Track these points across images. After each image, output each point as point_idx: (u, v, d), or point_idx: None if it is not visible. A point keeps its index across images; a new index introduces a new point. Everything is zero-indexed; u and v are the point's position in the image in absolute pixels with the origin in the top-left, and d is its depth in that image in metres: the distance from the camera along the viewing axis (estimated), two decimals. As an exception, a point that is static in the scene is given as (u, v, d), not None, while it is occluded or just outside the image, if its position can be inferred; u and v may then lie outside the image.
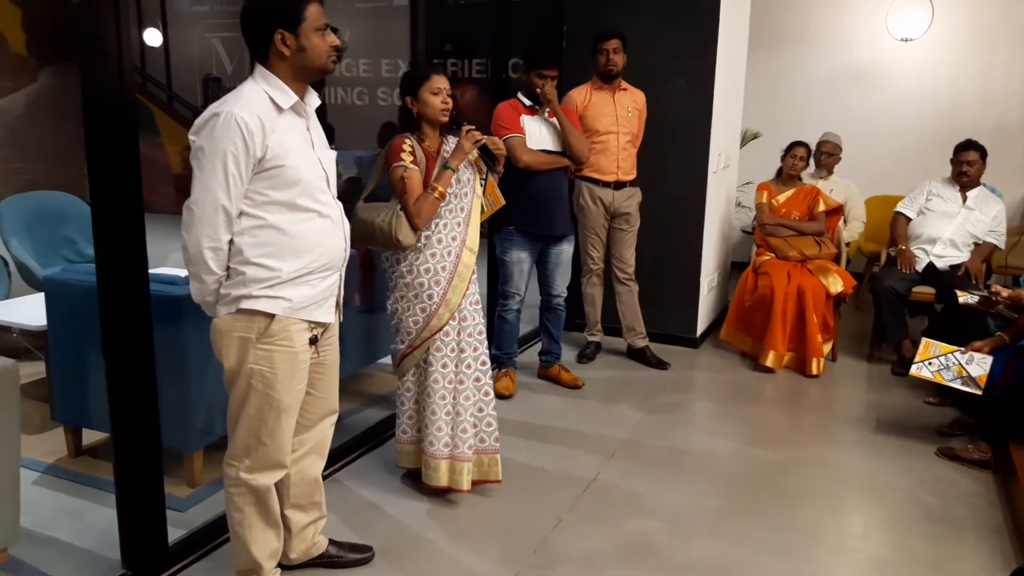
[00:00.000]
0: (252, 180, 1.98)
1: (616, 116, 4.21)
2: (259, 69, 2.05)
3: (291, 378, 2.13)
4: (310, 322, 2.14)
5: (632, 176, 4.34)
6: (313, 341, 2.18)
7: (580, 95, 4.24)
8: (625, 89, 4.28)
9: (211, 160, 1.93)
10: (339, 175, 2.31)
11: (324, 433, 2.43)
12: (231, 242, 2.01)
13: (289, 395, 2.14)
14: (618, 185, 4.29)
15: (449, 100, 2.84)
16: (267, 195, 2.00)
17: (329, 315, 2.21)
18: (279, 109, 2.02)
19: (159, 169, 8.95)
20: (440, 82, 2.83)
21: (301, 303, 2.09)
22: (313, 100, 2.14)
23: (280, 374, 2.10)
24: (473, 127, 2.86)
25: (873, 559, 2.73)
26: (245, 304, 2.03)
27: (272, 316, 2.05)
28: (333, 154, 2.22)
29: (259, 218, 2.01)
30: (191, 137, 1.97)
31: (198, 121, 1.97)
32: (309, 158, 2.09)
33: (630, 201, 4.35)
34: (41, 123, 7.57)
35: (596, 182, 4.28)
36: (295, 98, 2.05)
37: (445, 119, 2.86)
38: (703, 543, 2.78)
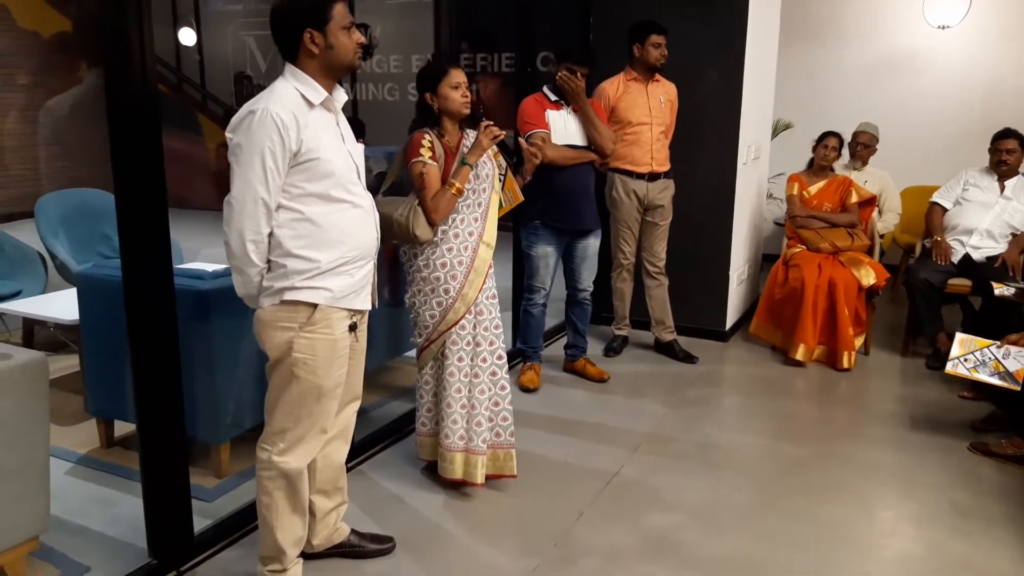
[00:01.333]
0: (288, 174, 2.06)
1: (649, 107, 4.18)
2: (289, 67, 2.14)
3: (331, 364, 2.21)
4: (349, 310, 2.22)
5: (666, 168, 4.30)
6: (352, 328, 2.25)
7: (613, 87, 4.21)
8: (658, 80, 4.24)
9: (249, 155, 2.01)
10: (369, 170, 2.36)
11: (349, 419, 2.49)
12: (271, 235, 2.09)
13: (330, 380, 2.22)
14: (652, 177, 4.25)
15: (468, 93, 2.85)
16: (303, 187, 2.08)
17: (367, 302, 2.30)
18: (310, 105, 2.11)
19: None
20: (459, 76, 2.84)
21: (342, 292, 2.17)
22: (341, 96, 2.22)
23: (322, 361, 2.18)
24: (492, 123, 2.84)
25: (902, 555, 2.68)
26: (289, 295, 2.11)
27: (315, 306, 2.12)
28: (361, 147, 2.31)
29: (296, 211, 2.09)
30: (228, 135, 2.06)
31: (235, 119, 2.05)
32: (340, 151, 2.17)
33: (664, 193, 4.31)
34: (85, 123, 7.76)
35: (630, 174, 4.25)
36: (325, 94, 2.13)
37: (466, 112, 2.87)
38: (728, 538, 2.75)
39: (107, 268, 3.17)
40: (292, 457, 2.24)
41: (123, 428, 3.34)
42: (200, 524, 2.58)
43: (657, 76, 4.24)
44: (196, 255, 4.30)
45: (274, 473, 2.24)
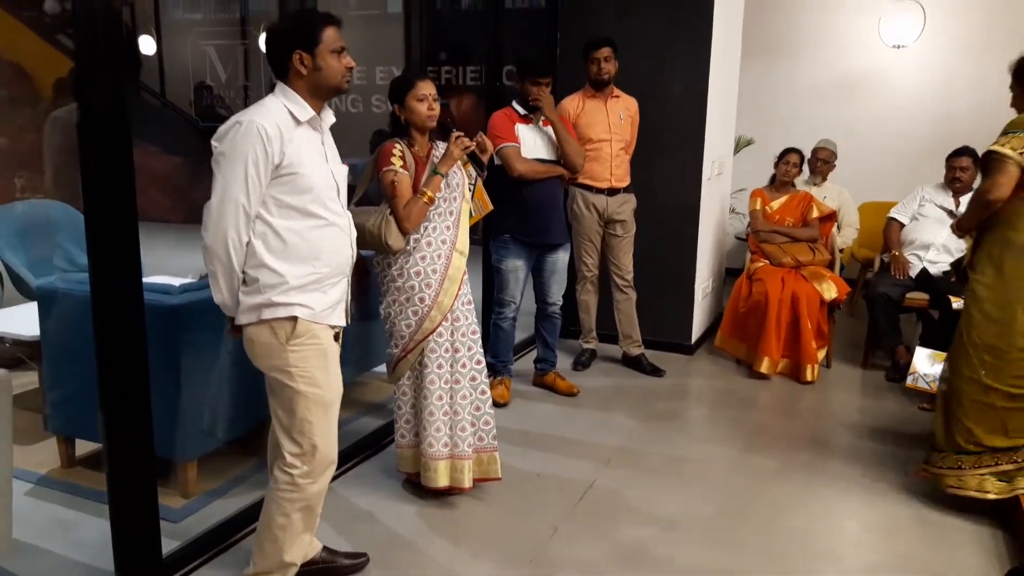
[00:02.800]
0: (269, 185, 2.10)
1: (609, 123, 4.23)
2: (280, 85, 2.19)
3: (327, 372, 2.25)
4: (329, 325, 2.27)
5: (626, 183, 4.35)
6: (336, 338, 2.31)
7: (573, 103, 4.26)
8: (617, 96, 4.30)
9: (232, 163, 2.05)
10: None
11: None
12: (248, 244, 2.11)
13: (330, 389, 2.27)
14: (612, 192, 4.30)
15: (436, 106, 2.88)
16: (281, 200, 2.12)
17: (341, 319, 2.33)
18: (297, 121, 2.15)
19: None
20: (425, 88, 2.85)
21: (320, 308, 2.20)
22: (328, 117, 2.28)
23: (318, 370, 2.22)
24: (462, 133, 2.88)
25: (867, 565, 2.73)
26: (267, 313, 2.14)
27: (295, 319, 2.15)
28: (345, 168, 2.35)
29: (272, 222, 2.12)
30: (214, 143, 2.10)
31: (221, 129, 2.10)
32: (322, 169, 2.21)
33: (624, 207, 4.36)
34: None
35: (590, 188, 4.29)
36: (312, 112, 2.18)
37: (432, 125, 2.90)
38: (699, 550, 2.77)
39: (70, 282, 3.09)
40: (318, 476, 2.28)
41: (83, 447, 3.25)
42: (167, 546, 2.52)
43: (616, 92, 4.29)
44: (154, 269, 4.23)
45: (297, 495, 2.26)
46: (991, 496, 2.92)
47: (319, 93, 2.20)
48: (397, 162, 2.82)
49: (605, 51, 4.15)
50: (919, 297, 4.58)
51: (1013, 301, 2.84)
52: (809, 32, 6.67)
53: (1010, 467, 2.91)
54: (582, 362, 4.62)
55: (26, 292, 4.39)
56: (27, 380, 3.82)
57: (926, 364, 3.55)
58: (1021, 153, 2.75)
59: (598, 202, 4.31)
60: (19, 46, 8.55)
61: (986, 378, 2.90)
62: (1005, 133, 2.86)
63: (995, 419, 2.91)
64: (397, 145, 2.87)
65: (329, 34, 2.15)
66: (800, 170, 4.97)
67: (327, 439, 2.28)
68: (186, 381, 2.87)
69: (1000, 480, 2.93)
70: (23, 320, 3.61)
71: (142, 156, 8.69)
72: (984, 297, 2.91)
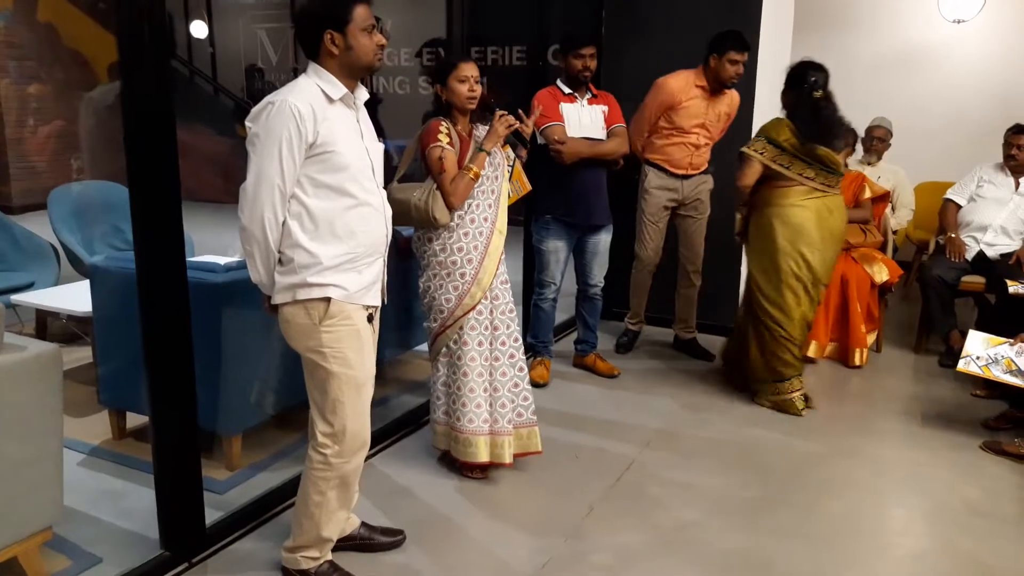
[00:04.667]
0: (304, 164, 2.10)
1: (706, 120, 4.11)
2: (312, 65, 2.18)
3: (361, 353, 2.26)
4: (364, 305, 2.27)
5: (703, 167, 4.25)
6: (370, 319, 2.31)
7: (679, 86, 4.04)
8: (724, 93, 4.12)
9: (266, 144, 2.06)
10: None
11: None
12: (283, 224, 2.13)
13: (363, 370, 2.27)
14: (687, 176, 4.21)
15: (477, 88, 2.88)
16: (316, 179, 2.12)
17: (377, 298, 2.34)
18: (330, 100, 2.15)
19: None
20: (467, 70, 2.86)
21: (354, 289, 2.21)
22: (362, 94, 2.27)
23: (351, 351, 2.22)
24: (506, 112, 2.89)
25: (913, 553, 2.67)
26: (301, 294, 2.16)
27: (328, 300, 2.16)
28: (381, 146, 2.34)
29: (307, 202, 2.13)
30: (248, 124, 2.10)
31: (255, 110, 2.10)
32: (357, 147, 2.21)
33: (701, 188, 4.25)
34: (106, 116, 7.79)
35: (664, 170, 4.21)
36: (344, 90, 2.17)
37: (472, 106, 2.91)
38: (739, 534, 2.74)
39: (120, 260, 3.18)
40: (350, 456, 2.30)
41: (135, 420, 3.35)
42: (212, 516, 2.59)
43: (725, 90, 4.14)
44: (205, 248, 4.32)
45: (331, 474, 2.29)
46: None
47: (351, 72, 2.19)
48: (444, 139, 2.85)
49: (744, 55, 3.97)
50: (975, 281, 4.44)
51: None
52: (865, 6, 6.46)
53: None
54: (623, 344, 4.57)
55: (81, 270, 4.54)
56: (82, 356, 3.94)
57: (979, 348, 3.44)
58: (762, 152, 3.64)
59: (672, 184, 4.22)
60: (77, 32, 8.80)
61: None
62: (755, 136, 3.74)
63: None
64: (443, 123, 2.89)
65: (360, 12, 2.13)
66: (853, 149, 4.83)
67: (359, 420, 2.29)
68: (230, 358, 2.93)
69: None
70: (77, 297, 3.72)
71: (194, 138, 8.90)
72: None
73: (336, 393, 2.23)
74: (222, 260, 3.42)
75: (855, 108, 5.71)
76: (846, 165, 4.81)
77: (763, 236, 3.73)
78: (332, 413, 2.25)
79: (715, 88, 4.07)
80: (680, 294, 4.48)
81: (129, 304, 2.42)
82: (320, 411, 2.27)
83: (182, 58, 10.04)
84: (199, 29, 10.09)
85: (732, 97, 4.20)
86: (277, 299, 2.19)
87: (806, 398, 3.81)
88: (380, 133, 2.40)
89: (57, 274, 4.58)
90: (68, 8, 8.80)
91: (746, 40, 3.98)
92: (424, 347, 3.72)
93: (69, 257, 4.67)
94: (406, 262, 3.76)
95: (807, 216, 3.63)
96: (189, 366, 2.40)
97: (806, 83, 3.62)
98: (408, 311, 3.84)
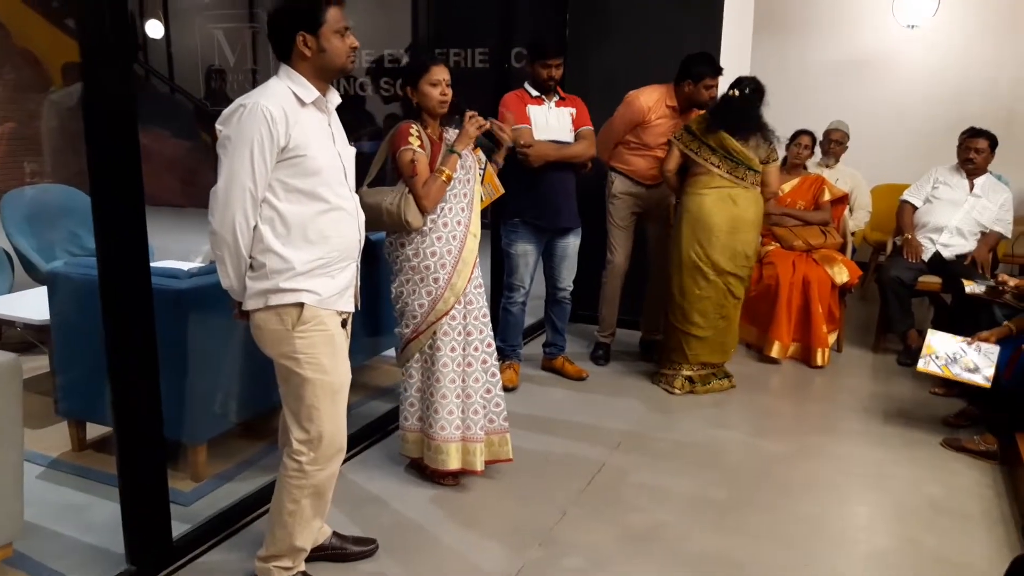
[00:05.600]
0: (275, 168, 2.07)
1: (671, 137, 4.06)
2: (283, 67, 2.16)
3: (335, 358, 2.24)
4: (337, 311, 2.25)
5: None
6: (344, 324, 2.29)
7: (650, 102, 4.08)
8: (693, 113, 4.09)
9: (238, 147, 2.03)
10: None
11: None
12: (254, 228, 2.09)
13: (338, 376, 2.25)
14: (653, 186, 4.22)
15: (448, 91, 2.86)
16: (288, 183, 2.10)
17: (350, 304, 2.32)
18: (301, 103, 2.13)
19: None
20: (439, 73, 2.84)
21: (327, 294, 2.19)
22: (334, 98, 2.24)
23: (324, 356, 2.20)
24: (476, 112, 2.89)
25: (877, 550, 2.72)
26: (273, 300, 2.13)
27: (301, 306, 2.14)
28: (352, 150, 2.32)
29: (279, 206, 2.11)
30: (218, 127, 2.07)
31: (225, 112, 2.07)
32: (329, 151, 2.19)
33: (667, 197, 4.24)
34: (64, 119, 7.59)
35: (630, 178, 4.22)
36: (316, 93, 2.16)
37: (443, 110, 2.89)
38: (708, 535, 2.77)
39: (79, 266, 3.09)
40: (326, 463, 2.27)
41: (95, 431, 3.27)
42: (177, 529, 2.54)
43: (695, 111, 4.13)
44: (164, 253, 4.23)
45: (306, 482, 2.26)
46: None
47: (324, 74, 2.17)
48: (415, 142, 2.82)
49: (717, 80, 4.00)
50: (932, 281, 4.54)
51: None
52: (822, 11, 6.59)
53: None
54: (600, 356, 4.47)
55: (36, 276, 4.41)
56: (38, 364, 3.83)
57: (938, 347, 3.52)
58: (679, 138, 3.92)
59: (637, 191, 4.23)
60: (29, 32, 8.57)
61: None
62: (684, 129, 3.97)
63: None
64: (414, 126, 2.86)
65: (332, 14, 2.11)
66: (812, 152, 4.92)
67: (335, 426, 2.27)
68: (195, 365, 2.87)
69: None
70: (33, 304, 3.62)
71: (152, 140, 8.73)
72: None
73: (311, 399, 2.20)
74: (185, 266, 3.36)
75: (813, 111, 5.87)
76: (805, 168, 4.90)
77: (675, 223, 4.02)
78: (308, 420, 2.22)
79: (685, 109, 4.12)
80: (648, 298, 4.50)
81: (90, 311, 2.36)
82: (296, 418, 2.24)
83: (138, 58, 9.84)
84: (155, 29, 9.90)
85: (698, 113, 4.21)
86: (249, 305, 2.16)
87: (691, 381, 4.04)
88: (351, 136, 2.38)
89: (11, 281, 4.44)
90: (19, 7, 8.56)
91: (718, 64, 4.04)
92: (391, 353, 3.70)
93: (23, 263, 4.54)
94: (373, 267, 3.74)
95: (707, 204, 3.83)
96: (154, 374, 2.35)
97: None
98: (375, 316, 3.81)
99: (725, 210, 3.82)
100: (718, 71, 4.02)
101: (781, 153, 4.26)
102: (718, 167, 3.82)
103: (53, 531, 2.67)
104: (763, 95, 3.85)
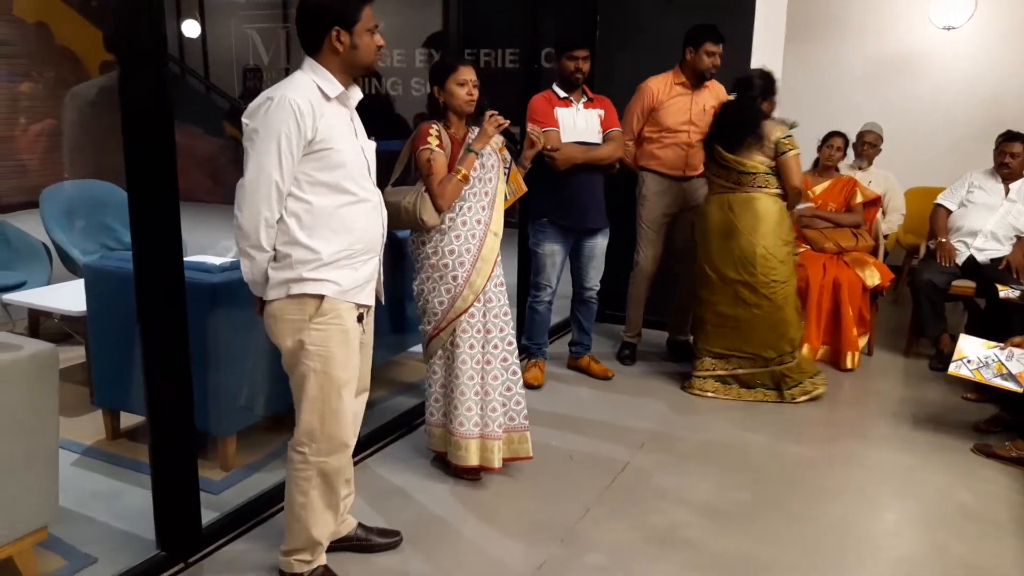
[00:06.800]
0: (301, 161, 2.09)
1: (691, 115, 4.10)
2: (308, 61, 2.17)
3: (346, 355, 2.24)
4: (356, 304, 2.25)
5: (700, 170, 4.17)
6: (360, 319, 2.29)
7: (659, 86, 4.11)
8: (707, 86, 4.13)
9: (265, 140, 2.04)
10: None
11: (357, 410, 2.49)
12: (279, 221, 2.11)
13: (346, 372, 2.25)
14: (686, 179, 4.20)
15: (475, 91, 2.88)
16: (314, 176, 2.11)
17: (370, 298, 2.33)
18: (326, 97, 2.14)
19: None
20: (466, 73, 2.86)
21: (348, 286, 2.20)
22: (356, 94, 2.26)
23: (336, 352, 2.21)
24: (496, 112, 2.89)
25: (905, 557, 2.69)
26: (295, 289, 2.14)
27: (322, 297, 2.15)
28: (373, 144, 2.34)
29: (305, 199, 2.12)
30: (245, 120, 2.09)
31: (252, 105, 2.08)
32: (353, 145, 2.21)
33: (703, 191, 4.17)
34: (112, 110, 7.72)
35: (661, 174, 4.20)
36: (341, 88, 2.17)
37: (470, 110, 2.91)
38: (732, 537, 2.75)
39: (115, 260, 3.17)
40: (328, 456, 2.27)
41: (129, 420, 3.34)
42: (207, 517, 2.59)
43: (707, 83, 4.14)
44: (206, 249, 4.30)
45: (311, 473, 2.27)
46: None
47: (351, 70, 2.18)
48: (433, 141, 2.85)
49: (719, 47, 4.00)
50: (965, 285, 4.48)
51: None
52: (857, 13, 6.51)
53: None
54: (627, 356, 4.46)
55: (73, 269, 4.52)
56: (74, 355, 3.92)
57: (970, 351, 3.47)
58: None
59: (671, 188, 4.21)
60: (69, 30, 8.74)
61: None
62: None
63: None
64: (434, 126, 2.89)
65: (367, 12, 2.13)
66: (844, 154, 4.87)
67: (339, 420, 2.26)
68: (226, 358, 2.92)
69: None
70: (70, 296, 3.70)
71: (186, 138, 8.87)
72: None
73: (316, 392, 2.21)
74: (217, 260, 3.42)
75: (846, 114, 5.80)
76: (837, 170, 4.85)
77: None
78: (311, 412, 2.23)
79: (696, 82, 4.10)
80: (677, 299, 4.48)
81: (125, 304, 2.42)
82: (299, 409, 2.25)
83: (174, 57, 10.00)
84: (192, 29, 10.06)
85: (717, 89, 4.19)
86: (270, 295, 2.16)
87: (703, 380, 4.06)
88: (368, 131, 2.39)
89: (49, 273, 4.55)
90: (59, 6, 8.74)
91: (720, 32, 4.02)
92: (418, 348, 3.73)
93: (61, 256, 4.64)
94: (399, 263, 3.78)
95: (706, 212, 3.95)
96: (186, 366, 2.40)
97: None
98: (403, 313, 3.84)
99: (719, 216, 3.87)
100: (719, 37, 4.00)
101: (806, 149, 4.18)
102: (718, 176, 3.89)
103: (86, 516, 2.74)
104: (773, 84, 3.85)
